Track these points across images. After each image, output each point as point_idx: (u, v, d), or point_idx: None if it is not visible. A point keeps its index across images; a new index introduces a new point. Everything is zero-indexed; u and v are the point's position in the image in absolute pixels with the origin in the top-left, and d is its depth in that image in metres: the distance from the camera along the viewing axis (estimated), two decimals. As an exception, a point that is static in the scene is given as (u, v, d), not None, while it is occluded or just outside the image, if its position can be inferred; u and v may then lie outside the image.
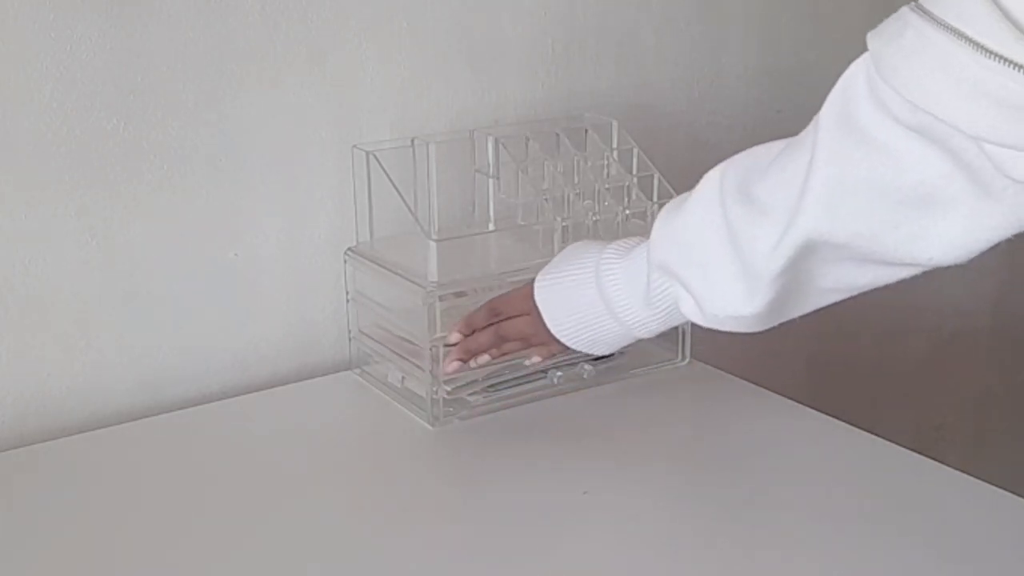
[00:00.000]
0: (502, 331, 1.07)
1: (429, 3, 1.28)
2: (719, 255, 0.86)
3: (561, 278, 1.02)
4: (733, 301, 0.86)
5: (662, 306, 0.95)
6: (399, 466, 1.09)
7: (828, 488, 1.02)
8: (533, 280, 1.05)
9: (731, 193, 0.85)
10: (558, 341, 1.04)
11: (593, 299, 1.00)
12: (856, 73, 0.75)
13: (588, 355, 1.11)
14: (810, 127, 0.80)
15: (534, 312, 1.04)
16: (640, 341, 1.03)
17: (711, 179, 0.88)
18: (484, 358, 1.08)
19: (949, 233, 0.73)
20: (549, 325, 1.03)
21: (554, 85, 1.39)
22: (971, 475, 1.01)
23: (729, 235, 0.84)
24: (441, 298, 1.12)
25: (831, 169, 0.76)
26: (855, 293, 0.86)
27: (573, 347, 1.04)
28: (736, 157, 0.87)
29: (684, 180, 1.28)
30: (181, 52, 1.15)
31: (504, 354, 1.09)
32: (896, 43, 0.70)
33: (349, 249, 1.24)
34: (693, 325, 0.97)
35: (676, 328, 1.21)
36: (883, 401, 1.86)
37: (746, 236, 0.83)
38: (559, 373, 1.19)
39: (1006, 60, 0.64)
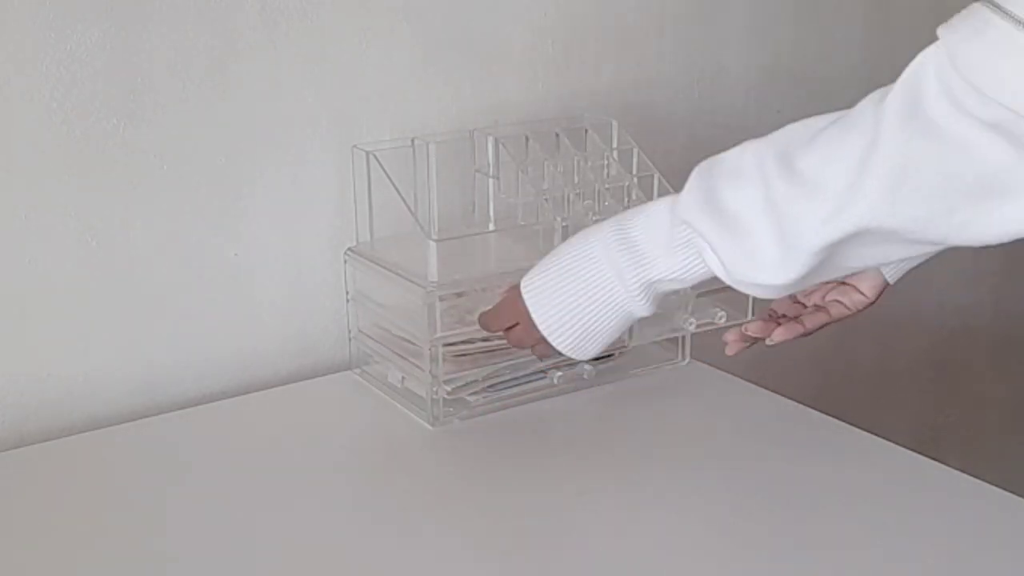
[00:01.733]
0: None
1: (429, 3, 1.28)
2: (757, 226, 0.85)
3: (554, 262, 0.98)
4: (766, 271, 0.85)
5: (684, 255, 0.91)
6: (399, 466, 1.09)
7: (828, 488, 1.02)
8: (518, 286, 1.01)
9: (772, 165, 0.84)
10: (550, 344, 1.00)
11: (598, 268, 0.95)
12: (925, 64, 0.77)
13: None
14: (865, 112, 0.80)
15: (524, 318, 1.00)
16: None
17: (747, 151, 0.87)
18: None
19: (1006, 219, 0.75)
20: (539, 323, 0.99)
21: (554, 85, 1.39)
22: (970, 475, 1.01)
23: (769, 207, 0.84)
24: (441, 298, 1.12)
25: (896, 158, 0.77)
26: (879, 266, 0.88)
27: (563, 348, 0.99)
28: (773, 134, 0.87)
29: (684, 180, 1.29)
30: (181, 52, 1.15)
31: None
32: (977, 41, 0.72)
33: (349, 249, 1.24)
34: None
35: (676, 328, 1.21)
36: (883, 401, 1.86)
37: (790, 211, 0.83)
38: (559, 373, 1.19)
39: None
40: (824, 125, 0.84)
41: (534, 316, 0.99)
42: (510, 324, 1.03)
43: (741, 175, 0.86)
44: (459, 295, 1.14)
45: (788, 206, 0.83)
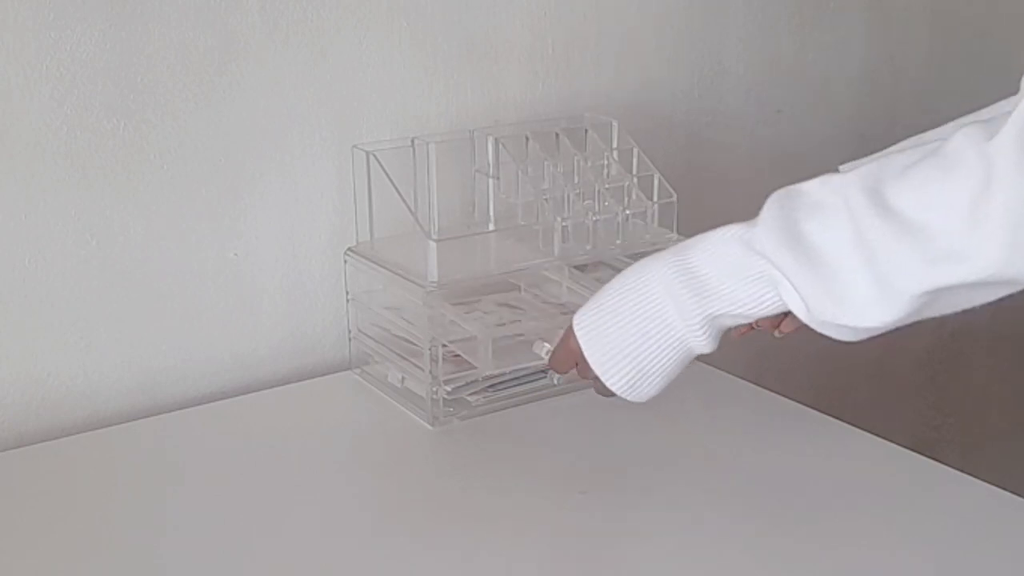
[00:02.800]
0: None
1: (429, 3, 1.28)
2: (847, 265, 0.80)
3: (607, 297, 0.94)
4: (857, 313, 0.81)
5: (756, 288, 0.86)
6: (399, 466, 1.09)
7: (828, 488, 1.02)
8: (571, 326, 0.96)
9: (861, 201, 0.79)
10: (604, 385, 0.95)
11: (655, 301, 0.90)
12: None
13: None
14: (966, 150, 0.75)
15: (580, 357, 0.96)
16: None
17: (828, 185, 0.82)
18: None
19: None
20: (592, 362, 0.94)
21: (554, 85, 1.39)
22: (970, 475, 1.01)
23: (861, 246, 0.79)
24: (453, 304, 1.12)
25: (1016, 203, 0.73)
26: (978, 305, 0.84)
27: (617, 389, 0.94)
28: (855, 169, 0.82)
29: (684, 180, 1.29)
30: (181, 52, 1.15)
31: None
32: None
33: (349, 249, 1.24)
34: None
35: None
36: (883, 401, 1.86)
37: (888, 251, 0.78)
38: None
39: None
40: (914, 160, 0.79)
41: (587, 355, 0.94)
42: (571, 365, 0.99)
43: (824, 209, 0.81)
44: (472, 301, 1.14)
45: (885, 246, 0.78)
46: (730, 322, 0.90)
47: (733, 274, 0.86)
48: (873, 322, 0.81)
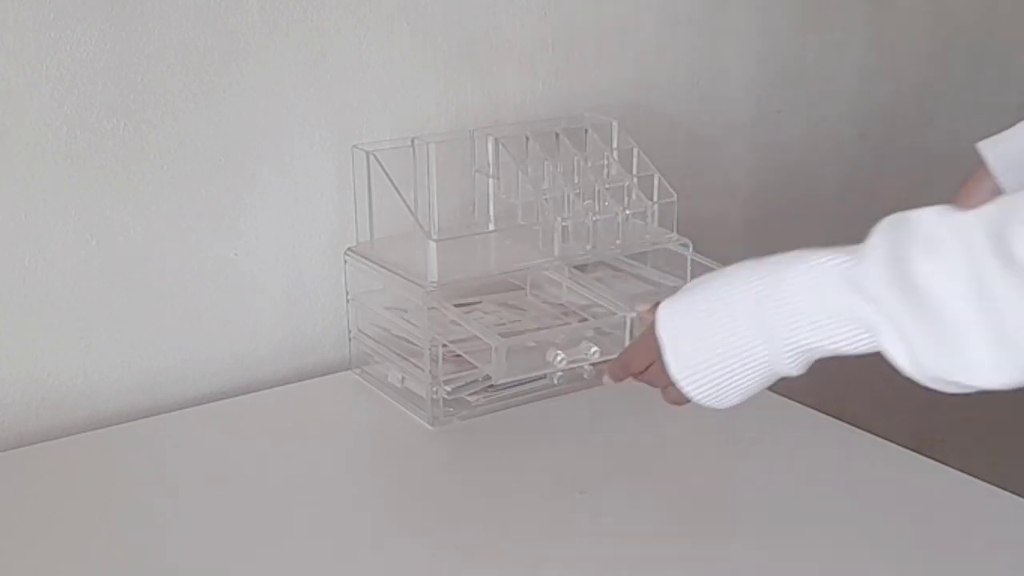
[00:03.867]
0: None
1: (429, 3, 1.28)
2: (965, 318, 0.72)
3: (696, 300, 0.87)
4: (972, 371, 0.74)
5: (856, 329, 0.78)
6: (399, 466, 1.09)
7: (828, 488, 1.02)
8: (655, 319, 0.89)
9: (984, 245, 0.71)
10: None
11: (743, 322, 0.84)
12: None
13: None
14: None
15: (657, 357, 0.89)
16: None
17: (946, 220, 0.74)
18: None
19: None
20: (671, 364, 0.87)
21: (554, 85, 1.39)
22: (971, 475, 1.01)
23: (982, 298, 0.71)
24: (453, 304, 1.11)
25: None
26: None
27: (697, 398, 0.88)
28: (979, 208, 0.72)
29: (684, 180, 1.29)
30: (181, 52, 1.15)
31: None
32: None
33: (349, 249, 1.24)
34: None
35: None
36: (883, 401, 1.86)
37: (1013, 306, 0.70)
38: (559, 373, 1.19)
39: None
40: None
41: (666, 359, 0.88)
42: (647, 364, 0.93)
43: (940, 247, 0.73)
44: (473, 303, 1.14)
45: (1010, 301, 0.70)
46: (822, 354, 0.82)
47: (832, 313, 0.79)
48: (991, 384, 0.74)
